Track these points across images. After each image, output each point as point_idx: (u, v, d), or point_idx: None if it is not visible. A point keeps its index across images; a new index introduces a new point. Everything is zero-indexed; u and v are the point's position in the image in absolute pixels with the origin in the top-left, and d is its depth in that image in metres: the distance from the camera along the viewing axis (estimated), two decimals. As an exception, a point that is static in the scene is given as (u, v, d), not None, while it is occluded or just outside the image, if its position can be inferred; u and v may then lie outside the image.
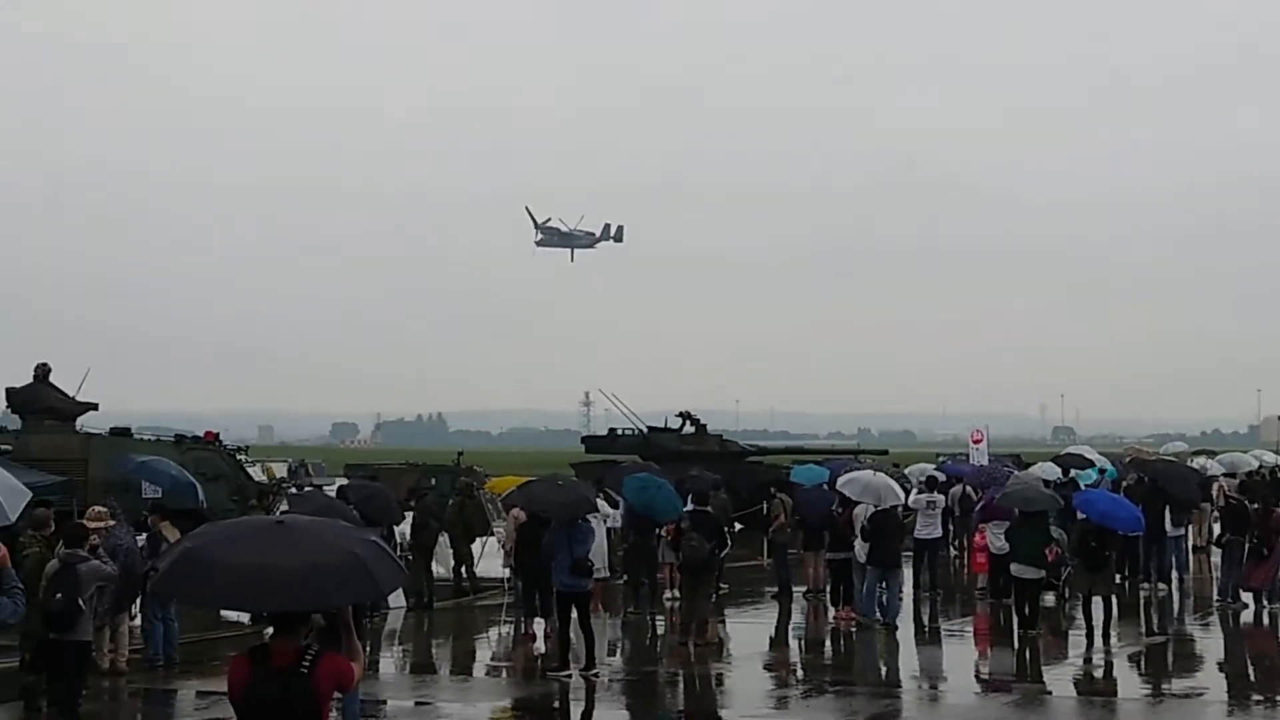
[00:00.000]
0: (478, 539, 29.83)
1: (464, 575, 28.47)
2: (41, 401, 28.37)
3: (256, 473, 35.13)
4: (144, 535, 20.18)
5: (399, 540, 27.43)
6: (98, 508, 19.42)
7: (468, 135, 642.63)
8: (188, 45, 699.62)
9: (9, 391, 28.88)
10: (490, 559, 29.48)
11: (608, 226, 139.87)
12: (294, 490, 30.70)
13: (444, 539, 28.38)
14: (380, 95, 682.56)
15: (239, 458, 31.04)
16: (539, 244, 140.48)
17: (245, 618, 22.69)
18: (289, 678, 7.72)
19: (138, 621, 20.90)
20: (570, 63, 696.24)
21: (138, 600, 20.12)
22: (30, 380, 28.61)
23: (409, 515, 28.17)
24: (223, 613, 24.01)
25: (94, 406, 29.38)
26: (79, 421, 28.92)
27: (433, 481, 34.88)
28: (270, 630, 8.10)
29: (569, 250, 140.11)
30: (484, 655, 22.97)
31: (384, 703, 17.66)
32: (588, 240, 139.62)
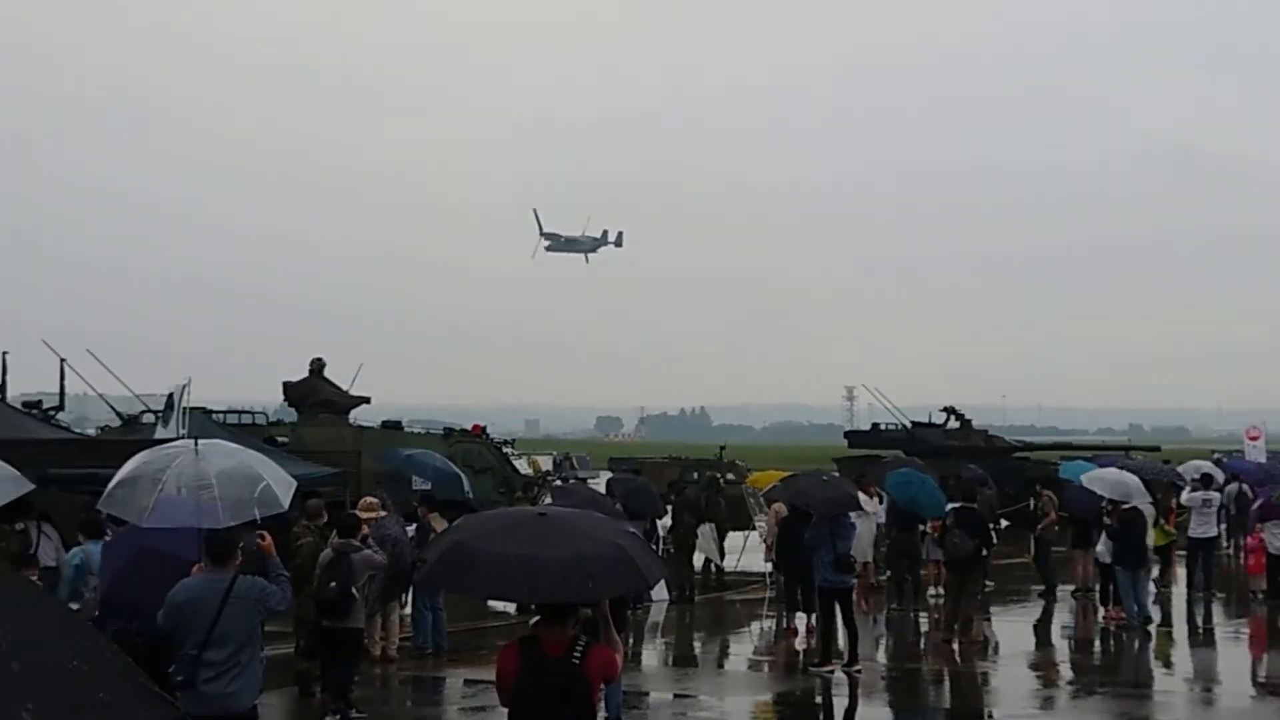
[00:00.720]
0: (738, 533, 29.81)
1: (714, 569, 28.54)
2: (317, 395, 29.25)
3: (522, 465, 35.69)
4: (413, 526, 20.62)
5: (660, 534, 27.59)
6: (369, 499, 19.94)
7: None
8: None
9: (286, 385, 29.85)
10: (752, 554, 29.44)
11: (606, 232, 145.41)
12: (558, 483, 31.11)
13: (708, 529, 28.44)
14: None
15: (505, 451, 31.58)
16: (547, 249, 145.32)
17: (512, 608, 23.05)
18: (561, 668, 7.78)
19: (408, 610, 21.39)
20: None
21: (407, 589, 20.57)
22: (306, 374, 29.53)
23: (670, 509, 28.32)
24: (490, 602, 24.46)
25: (366, 400, 30.18)
26: (352, 415, 29.73)
27: (694, 475, 34.96)
28: (534, 620, 8.18)
29: (582, 255, 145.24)
30: (745, 649, 22.94)
31: (646, 695, 17.76)
32: (590, 245, 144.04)
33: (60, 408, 26.59)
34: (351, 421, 29.47)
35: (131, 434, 25.84)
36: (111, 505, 12.72)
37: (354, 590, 15.98)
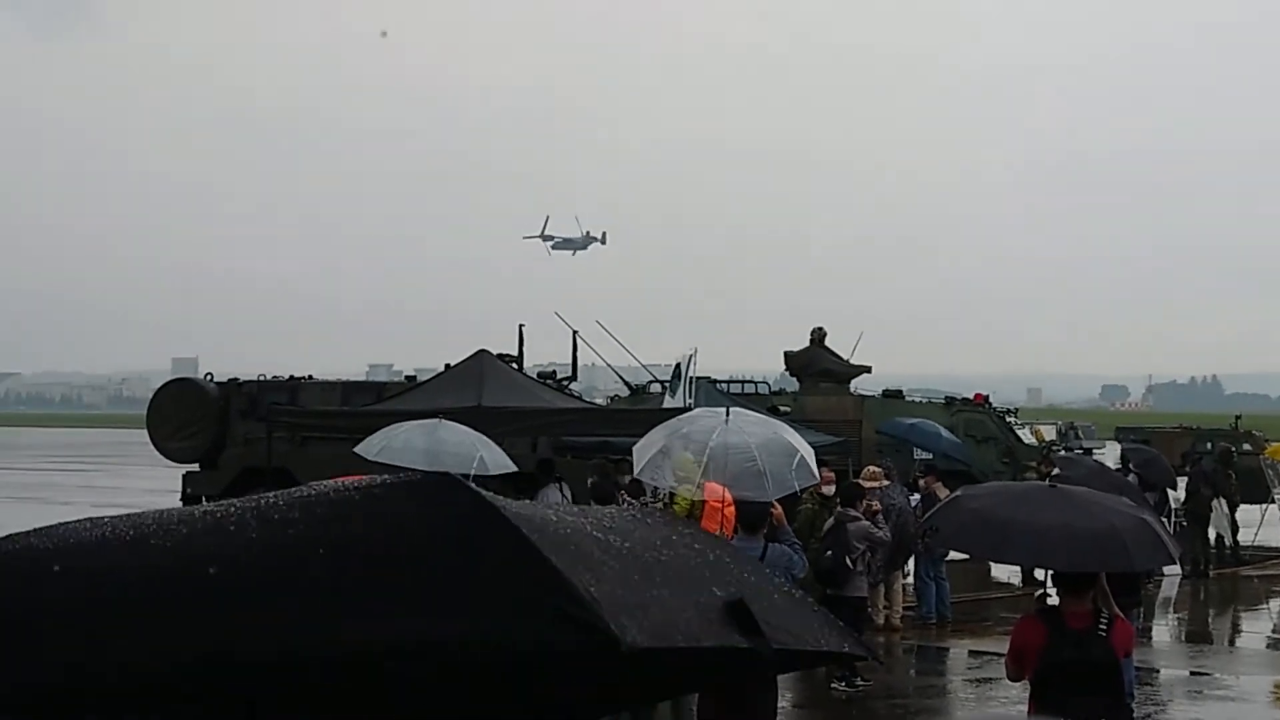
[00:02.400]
0: (1253, 506, 28.41)
1: (1226, 545, 27.27)
2: (818, 364, 29.47)
3: (1025, 435, 34.97)
4: (916, 495, 20.51)
5: (1173, 505, 26.55)
6: (872, 468, 19.95)
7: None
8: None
9: (787, 355, 30.20)
10: (1271, 528, 27.98)
11: (588, 232, 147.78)
12: (1062, 453, 30.35)
13: (1220, 504, 27.22)
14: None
15: (1008, 420, 31.00)
16: (553, 249, 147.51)
17: (1016, 579, 22.66)
18: (1089, 640, 7.59)
19: (910, 580, 21.32)
20: None
21: (910, 559, 20.50)
22: (807, 344, 29.79)
23: (1182, 480, 27.25)
24: (993, 573, 24.13)
25: (867, 369, 30.20)
26: (853, 383, 29.82)
27: (1208, 446, 33.46)
28: (1038, 593, 8.01)
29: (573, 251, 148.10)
30: (1263, 627, 21.83)
31: (1157, 671, 17.13)
32: (583, 243, 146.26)
33: (573, 378, 27.64)
34: (852, 390, 29.55)
35: (639, 403, 26.66)
36: (646, 474, 13.18)
37: (848, 560, 15.99)
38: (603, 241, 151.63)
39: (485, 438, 16.55)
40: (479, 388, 18.81)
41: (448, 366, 21.89)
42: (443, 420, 16.31)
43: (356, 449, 16.53)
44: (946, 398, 30.97)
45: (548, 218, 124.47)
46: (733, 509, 12.87)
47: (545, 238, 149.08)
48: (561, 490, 18.75)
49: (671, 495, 13.98)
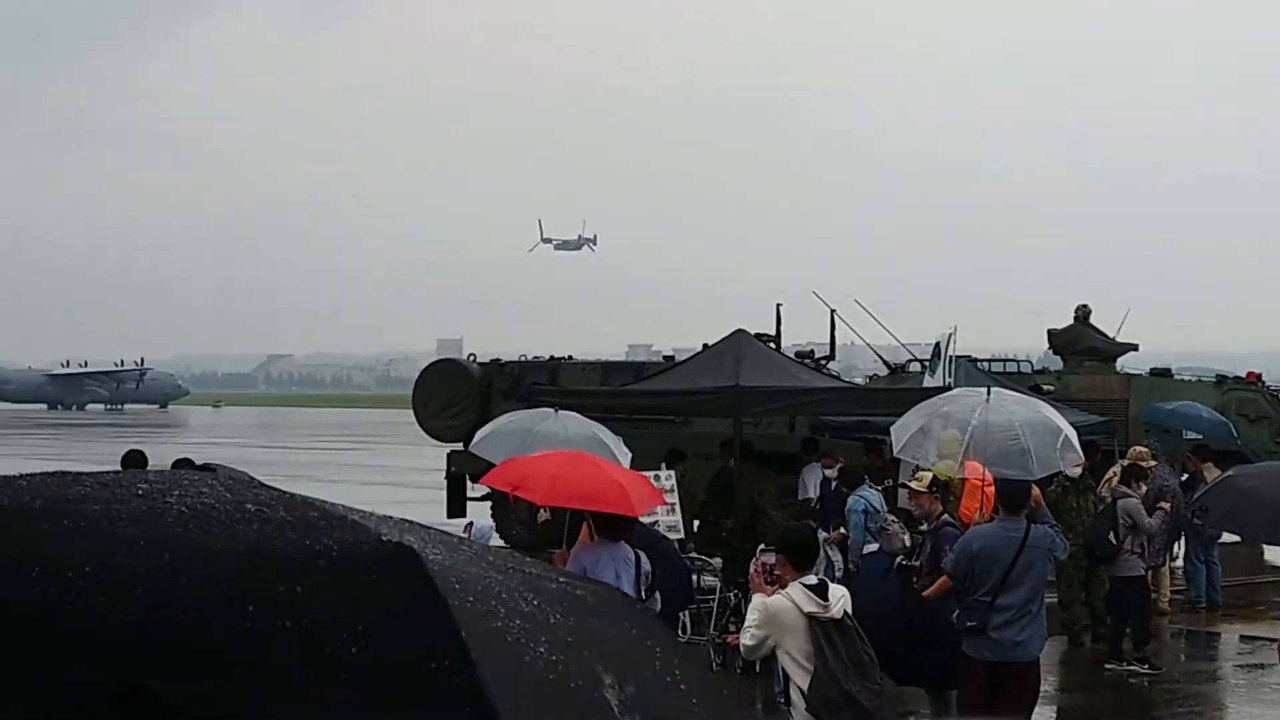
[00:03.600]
0: None
1: None
2: (1083, 342, 28.81)
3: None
4: (1184, 475, 19.97)
5: None
6: (1139, 448, 19.49)
7: None
8: None
9: (1051, 333, 29.59)
10: None
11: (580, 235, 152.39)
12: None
13: None
14: None
15: (1283, 399, 29.90)
16: (556, 249, 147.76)
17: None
18: None
19: (1179, 563, 20.77)
20: None
21: (1180, 541, 19.99)
22: (1071, 321, 29.16)
23: None
24: (1266, 556, 23.38)
25: (1134, 347, 29.44)
26: (1119, 362, 29.10)
27: None
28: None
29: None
30: None
31: None
32: (579, 244, 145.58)
33: (831, 357, 27.49)
34: (1118, 369, 28.84)
35: (898, 382, 26.42)
36: (906, 452, 13.19)
37: (1112, 536, 15.73)
38: (594, 244, 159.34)
39: (604, 430, 16.03)
40: (736, 367, 18.80)
41: (705, 346, 21.98)
42: (559, 411, 15.95)
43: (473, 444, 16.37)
44: (1218, 376, 30.00)
45: (540, 221, 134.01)
46: (993, 488, 12.71)
47: (545, 240, 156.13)
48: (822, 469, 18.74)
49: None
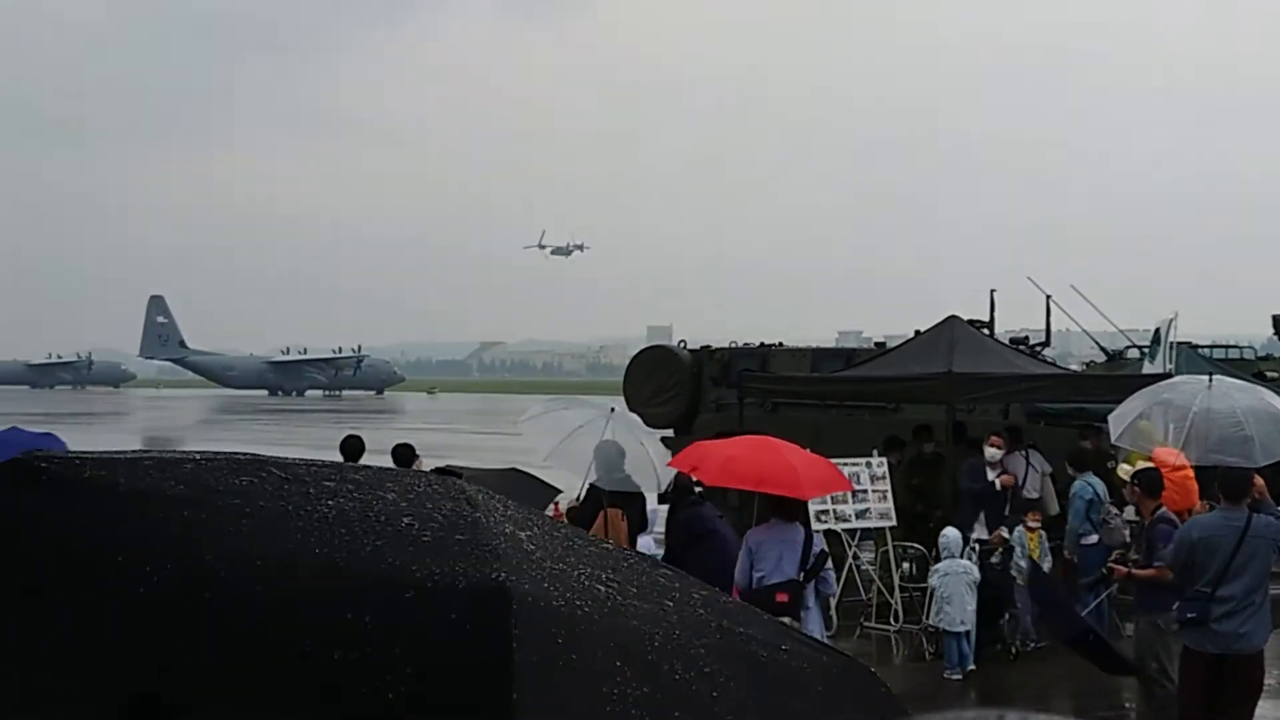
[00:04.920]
0: None
1: None
2: (1310, 328, 27.95)
3: None
4: None
5: None
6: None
7: None
8: None
9: (1276, 319, 28.76)
10: None
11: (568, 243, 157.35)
12: None
13: None
14: None
15: None
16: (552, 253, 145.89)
17: None
18: None
19: None
20: None
21: None
22: (1296, 306, 28.28)
23: None
24: None
25: None
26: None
27: None
28: None
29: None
30: None
31: None
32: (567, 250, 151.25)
33: (1046, 343, 27.05)
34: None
35: (1116, 369, 25.91)
36: (1125, 439, 12.95)
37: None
38: (582, 248, 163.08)
39: (649, 442, 15.03)
40: (949, 354, 18.58)
41: (917, 333, 21.77)
42: (615, 410, 15.24)
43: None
44: None
45: (544, 231, 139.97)
46: (1183, 473, 12.43)
47: (541, 245, 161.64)
48: (1029, 459, 18.37)
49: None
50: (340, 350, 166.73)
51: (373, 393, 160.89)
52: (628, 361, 29.67)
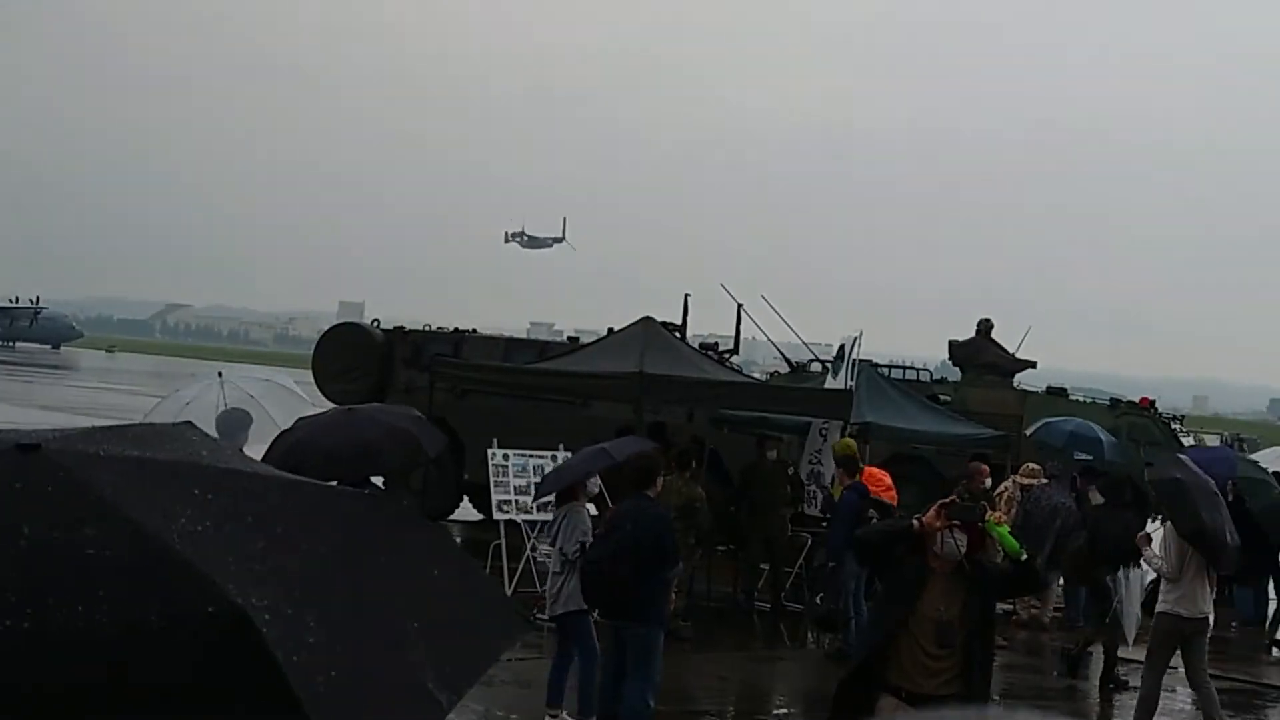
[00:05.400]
0: None
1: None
2: (982, 356, 29.07)
3: (1189, 443, 34.25)
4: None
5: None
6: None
7: None
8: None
9: (952, 344, 29.84)
10: None
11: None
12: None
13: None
14: None
15: (1173, 426, 30.36)
16: (524, 246, 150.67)
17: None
18: None
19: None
20: None
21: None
22: (973, 335, 29.41)
23: None
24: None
25: (1032, 364, 29.74)
26: (1017, 378, 29.39)
27: None
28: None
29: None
30: None
31: None
32: (546, 242, 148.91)
33: (734, 351, 27.57)
34: (1016, 385, 29.13)
35: (799, 381, 26.53)
36: None
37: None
38: (562, 237, 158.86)
39: (270, 401, 15.16)
40: (641, 354, 18.82)
41: (611, 330, 21.97)
42: (223, 375, 15.32)
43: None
44: (1111, 399, 30.38)
45: (523, 225, 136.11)
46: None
47: (516, 235, 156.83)
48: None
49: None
50: (17, 300, 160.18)
51: (48, 347, 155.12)
52: (318, 336, 29.25)
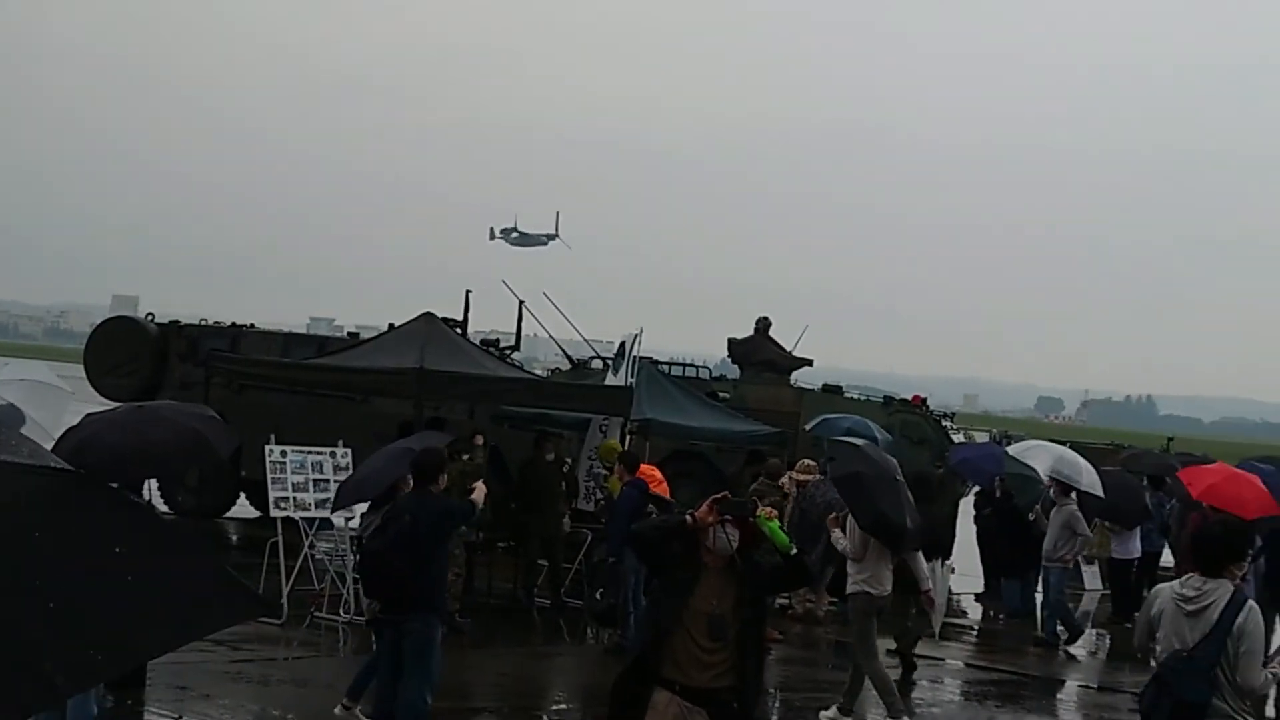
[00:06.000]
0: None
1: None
2: (761, 354, 29.49)
3: (959, 440, 35.16)
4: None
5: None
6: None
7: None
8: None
9: (731, 342, 30.22)
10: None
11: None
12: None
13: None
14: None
15: (944, 424, 31.14)
16: (513, 244, 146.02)
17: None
18: None
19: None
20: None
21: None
22: (752, 333, 29.82)
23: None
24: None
25: (809, 362, 30.26)
26: (794, 376, 29.87)
27: (1139, 465, 33.70)
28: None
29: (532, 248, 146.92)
30: None
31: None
32: (539, 240, 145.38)
33: (515, 347, 27.59)
34: (793, 383, 29.61)
35: (580, 378, 26.64)
36: None
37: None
38: (555, 234, 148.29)
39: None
40: (422, 350, 18.74)
41: (391, 326, 21.83)
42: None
43: None
44: (885, 397, 31.05)
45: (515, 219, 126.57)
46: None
47: (506, 231, 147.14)
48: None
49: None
50: None
51: None
52: (90, 330, 28.56)
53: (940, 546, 17.69)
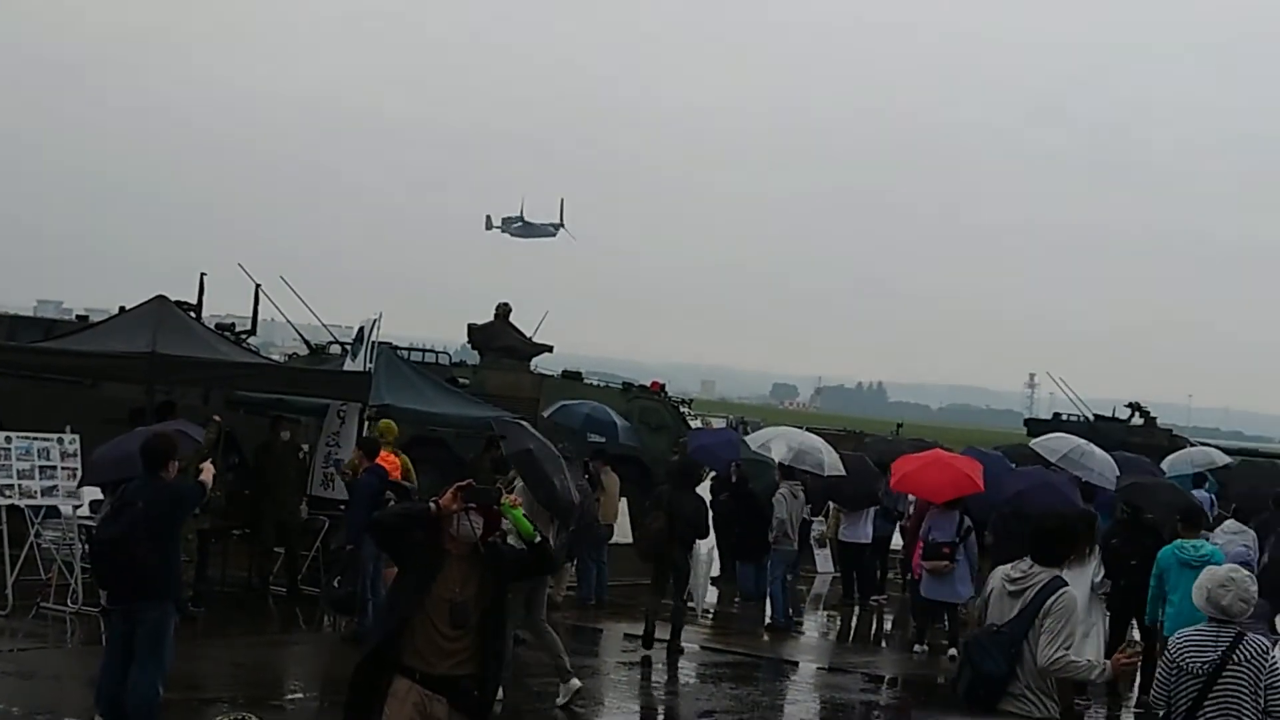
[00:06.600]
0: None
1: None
2: (500, 340, 29.56)
3: (697, 425, 35.72)
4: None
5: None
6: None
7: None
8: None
9: (471, 328, 30.22)
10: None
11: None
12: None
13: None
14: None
15: (682, 410, 31.62)
16: (515, 234, 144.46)
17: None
18: None
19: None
20: None
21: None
22: (492, 319, 29.85)
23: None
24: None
25: (549, 348, 30.41)
26: (534, 362, 29.99)
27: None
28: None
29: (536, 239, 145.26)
30: None
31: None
32: (545, 231, 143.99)
33: (251, 332, 27.17)
34: (533, 368, 29.73)
35: (318, 363, 26.35)
36: None
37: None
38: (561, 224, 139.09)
39: None
40: (154, 334, 18.33)
41: (123, 309, 21.28)
42: None
43: None
44: (624, 383, 31.38)
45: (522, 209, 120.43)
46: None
47: (509, 220, 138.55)
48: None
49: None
50: None
51: None
52: None
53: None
